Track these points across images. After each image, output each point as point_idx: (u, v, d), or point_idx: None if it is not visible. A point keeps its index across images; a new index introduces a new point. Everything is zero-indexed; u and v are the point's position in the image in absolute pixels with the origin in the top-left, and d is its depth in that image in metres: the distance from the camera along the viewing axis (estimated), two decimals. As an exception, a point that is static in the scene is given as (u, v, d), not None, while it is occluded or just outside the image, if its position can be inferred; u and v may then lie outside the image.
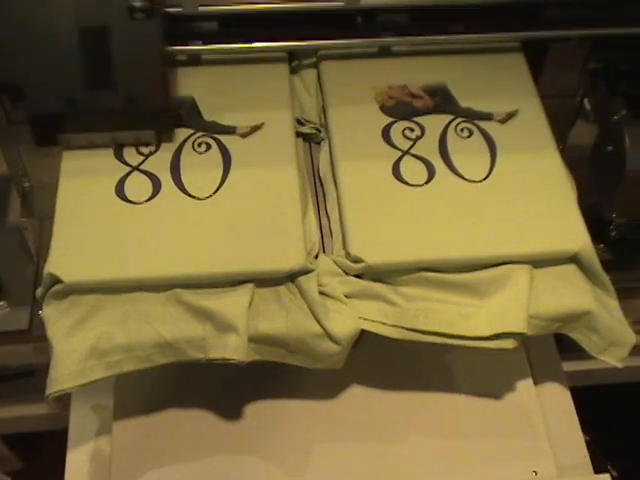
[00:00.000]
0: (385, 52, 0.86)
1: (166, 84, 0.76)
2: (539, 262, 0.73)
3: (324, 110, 0.84)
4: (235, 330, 0.68)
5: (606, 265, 0.75)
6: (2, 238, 0.92)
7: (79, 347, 0.68)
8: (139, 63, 0.74)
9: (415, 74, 0.85)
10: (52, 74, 0.74)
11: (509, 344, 0.72)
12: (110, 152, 0.77)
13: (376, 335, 0.71)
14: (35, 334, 0.87)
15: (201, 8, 0.78)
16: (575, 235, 0.74)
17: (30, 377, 1.01)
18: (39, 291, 0.71)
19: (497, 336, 0.71)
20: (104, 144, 0.78)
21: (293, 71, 0.88)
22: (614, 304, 0.75)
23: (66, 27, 0.72)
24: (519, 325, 0.70)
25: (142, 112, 0.76)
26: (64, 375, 0.68)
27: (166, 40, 0.76)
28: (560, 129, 0.86)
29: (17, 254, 0.91)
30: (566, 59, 0.88)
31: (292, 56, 0.88)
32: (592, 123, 0.91)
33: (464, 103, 0.83)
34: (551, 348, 0.89)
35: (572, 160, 0.83)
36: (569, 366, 0.92)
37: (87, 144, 0.78)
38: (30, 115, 0.76)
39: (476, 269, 0.73)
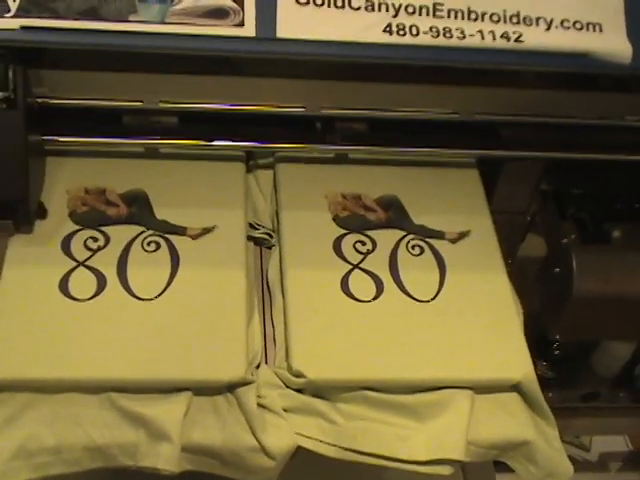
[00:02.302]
0: (342, 159, 0.87)
1: (28, 176, 0.73)
2: (481, 388, 0.73)
3: (277, 214, 0.83)
4: (169, 439, 0.67)
5: (547, 383, 0.76)
6: None
7: (5, 446, 0.66)
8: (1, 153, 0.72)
9: (370, 184, 0.85)
10: None
11: (446, 470, 0.71)
12: (57, 244, 0.76)
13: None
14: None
15: (161, 104, 0.78)
16: (518, 364, 0.74)
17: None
18: (-32, 386, 0.69)
19: (434, 461, 0.70)
20: None
21: (249, 169, 0.88)
22: (554, 434, 0.75)
23: None
24: (458, 452, 0.70)
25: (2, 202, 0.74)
26: None
27: (33, 131, 0.74)
28: (510, 243, 0.87)
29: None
30: (520, 177, 0.89)
31: (249, 154, 0.87)
32: (542, 237, 0.92)
33: (417, 219, 0.83)
34: (488, 466, 0.88)
35: (520, 273, 0.83)
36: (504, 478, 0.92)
37: None
38: None
39: (418, 391, 0.72)
